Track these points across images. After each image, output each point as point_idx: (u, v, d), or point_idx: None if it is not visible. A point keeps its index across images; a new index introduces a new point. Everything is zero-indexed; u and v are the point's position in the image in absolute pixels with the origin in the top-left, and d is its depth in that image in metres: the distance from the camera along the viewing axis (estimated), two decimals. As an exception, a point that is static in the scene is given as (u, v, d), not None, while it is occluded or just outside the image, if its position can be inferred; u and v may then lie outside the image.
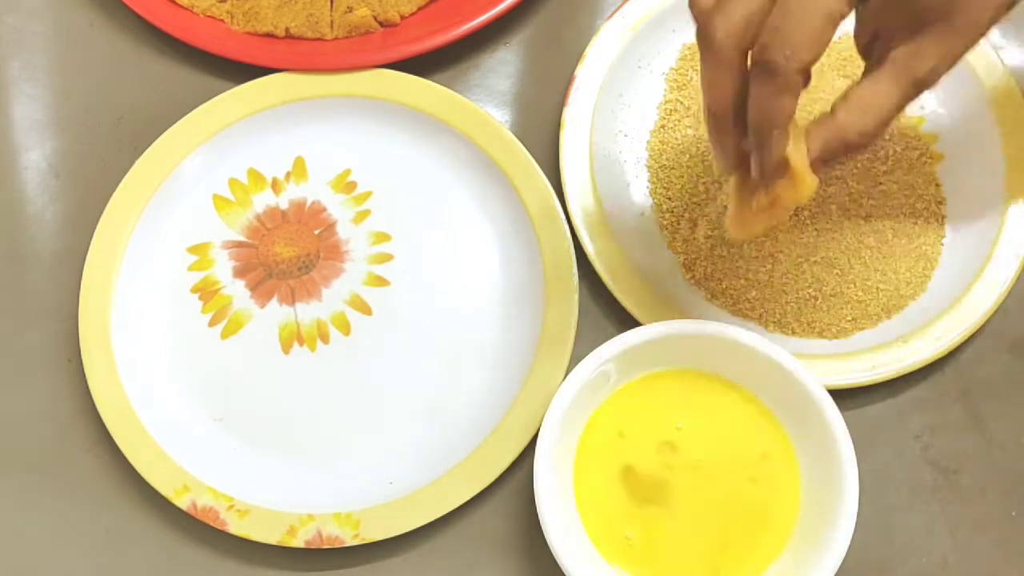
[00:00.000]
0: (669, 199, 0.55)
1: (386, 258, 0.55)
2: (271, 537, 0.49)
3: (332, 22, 0.59)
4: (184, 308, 0.54)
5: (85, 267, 0.53)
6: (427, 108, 0.57)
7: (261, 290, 0.55)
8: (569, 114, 0.56)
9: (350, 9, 0.59)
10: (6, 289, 0.56)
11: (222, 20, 0.59)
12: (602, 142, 0.56)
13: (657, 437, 0.48)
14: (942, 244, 0.55)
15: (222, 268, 0.55)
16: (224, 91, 0.57)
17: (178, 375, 0.53)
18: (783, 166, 0.40)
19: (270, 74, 0.57)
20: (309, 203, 0.57)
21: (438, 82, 0.57)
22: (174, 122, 0.56)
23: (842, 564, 0.44)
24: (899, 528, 0.51)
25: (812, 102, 0.55)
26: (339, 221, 0.56)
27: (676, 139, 0.57)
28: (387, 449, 0.52)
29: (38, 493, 0.52)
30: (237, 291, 0.55)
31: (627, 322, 0.52)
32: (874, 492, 0.51)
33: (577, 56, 0.57)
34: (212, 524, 0.49)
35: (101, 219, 0.54)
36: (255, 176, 0.57)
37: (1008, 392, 0.53)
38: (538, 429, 0.46)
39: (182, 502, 0.49)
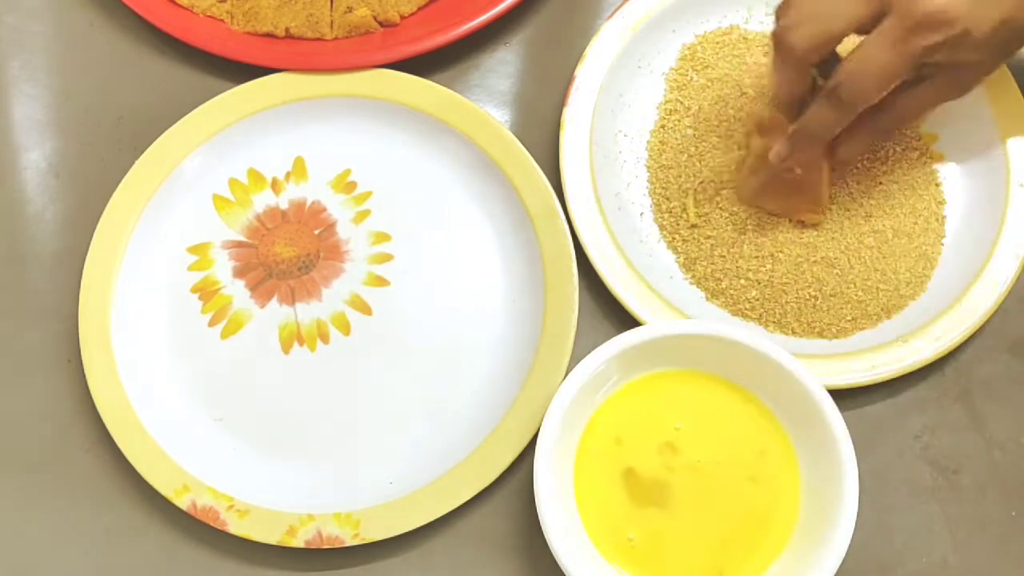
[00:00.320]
0: (668, 199, 0.55)
1: (386, 258, 0.55)
2: (271, 537, 0.49)
3: (332, 22, 0.59)
4: (184, 308, 0.54)
5: (85, 267, 0.53)
6: (427, 108, 0.57)
7: (261, 290, 0.55)
8: (569, 114, 0.56)
9: (350, 9, 0.59)
10: (6, 289, 0.56)
11: (222, 20, 0.59)
12: (602, 142, 0.56)
13: (657, 439, 0.48)
14: (942, 244, 0.55)
15: (222, 268, 0.55)
16: (224, 91, 0.57)
17: (178, 375, 0.53)
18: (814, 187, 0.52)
19: (270, 74, 0.57)
20: (309, 203, 0.57)
21: (438, 82, 0.57)
22: (174, 122, 0.56)
23: (842, 564, 0.44)
24: (899, 528, 0.51)
25: None
26: (339, 221, 0.56)
27: (676, 139, 0.57)
28: (387, 449, 0.52)
29: (38, 493, 0.52)
30: (237, 291, 0.55)
31: (627, 322, 0.52)
32: (874, 492, 0.51)
33: (577, 56, 0.57)
34: (212, 524, 0.49)
35: (101, 219, 0.54)
36: (255, 176, 0.57)
37: (1008, 392, 0.53)
38: (538, 429, 0.46)
39: (182, 502, 0.49)
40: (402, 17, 0.60)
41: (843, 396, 0.50)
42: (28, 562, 0.51)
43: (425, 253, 0.55)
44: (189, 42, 0.58)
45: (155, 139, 0.56)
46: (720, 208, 0.54)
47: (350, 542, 0.49)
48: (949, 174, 0.56)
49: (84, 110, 0.59)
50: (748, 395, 0.49)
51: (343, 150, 0.57)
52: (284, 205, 0.57)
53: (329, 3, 0.59)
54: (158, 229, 0.56)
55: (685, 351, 0.48)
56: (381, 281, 0.55)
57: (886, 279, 0.53)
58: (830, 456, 0.46)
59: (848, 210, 0.54)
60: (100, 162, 0.58)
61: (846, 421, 0.46)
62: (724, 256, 0.54)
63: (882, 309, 0.53)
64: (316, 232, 0.56)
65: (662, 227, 0.55)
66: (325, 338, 0.54)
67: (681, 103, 0.57)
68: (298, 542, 0.49)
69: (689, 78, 0.58)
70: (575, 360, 0.49)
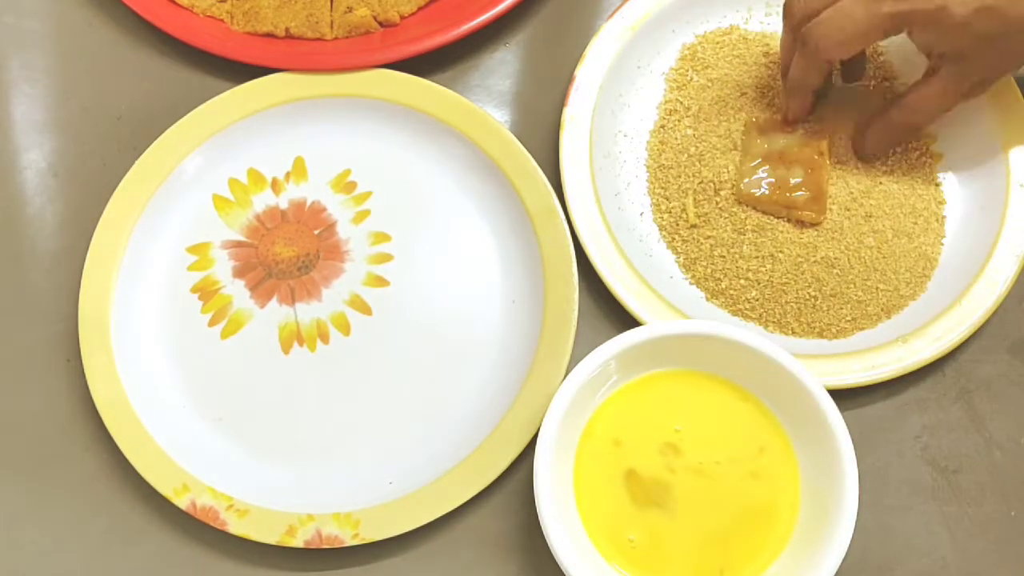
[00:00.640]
0: (668, 199, 0.55)
1: (386, 258, 0.55)
2: (270, 537, 0.49)
3: (332, 22, 0.59)
4: (184, 308, 0.54)
5: (85, 267, 0.53)
6: (427, 108, 0.57)
7: (261, 290, 0.55)
8: (569, 114, 0.56)
9: (350, 9, 0.59)
10: (6, 289, 0.56)
11: (222, 20, 0.59)
12: (602, 142, 0.56)
13: (658, 439, 0.48)
14: (942, 244, 0.55)
15: (222, 268, 0.55)
16: (224, 91, 0.57)
17: (178, 375, 0.53)
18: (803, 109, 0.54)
19: (270, 74, 0.57)
20: (309, 203, 0.57)
21: (438, 82, 0.57)
22: (174, 122, 0.56)
23: (842, 564, 0.44)
24: (899, 528, 0.51)
25: None
26: (339, 221, 0.56)
27: (675, 139, 0.57)
28: (387, 449, 0.52)
29: (38, 493, 0.52)
30: (237, 291, 0.55)
31: (627, 322, 0.52)
32: (874, 492, 0.51)
33: (577, 56, 0.57)
34: (212, 524, 0.49)
35: (101, 219, 0.54)
36: (255, 176, 0.57)
37: (1008, 392, 0.53)
38: (538, 429, 0.46)
39: (182, 502, 0.49)
40: (402, 17, 0.60)
41: (843, 396, 0.50)
42: (28, 562, 0.51)
43: (425, 253, 0.55)
44: (189, 42, 0.58)
45: (155, 139, 0.56)
46: (720, 208, 0.54)
47: (350, 542, 0.49)
48: (949, 174, 0.56)
49: (83, 110, 0.59)
50: (748, 395, 0.49)
51: (343, 150, 0.57)
52: (284, 205, 0.57)
53: (329, 3, 0.59)
54: (158, 229, 0.55)
55: (685, 351, 0.48)
56: (381, 281, 0.55)
57: (886, 279, 0.53)
58: (830, 456, 0.46)
59: (848, 210, 0.54)
60: (99, 162, 0.58)
61: (846, 421, 0.46)
62: (724, 256, 0.54)
63: (882, 309, 0.53)
64: (316, 232, 0.56)
65: (662, 227, 0.55)
66: (325, 338, 0.54)
67: (681, 103, 0.57)
68: (297, 542, 0.49)
69: (689, 78, 0.58)
70: (575, 360, 0.49)
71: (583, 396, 0.47)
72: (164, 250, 0.55)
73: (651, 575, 0.47)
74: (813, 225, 0.54)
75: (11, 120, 0.59)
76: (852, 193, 0.55)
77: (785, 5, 0.52)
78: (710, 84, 0.57)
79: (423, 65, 0.58)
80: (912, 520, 0.51)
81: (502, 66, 0.60)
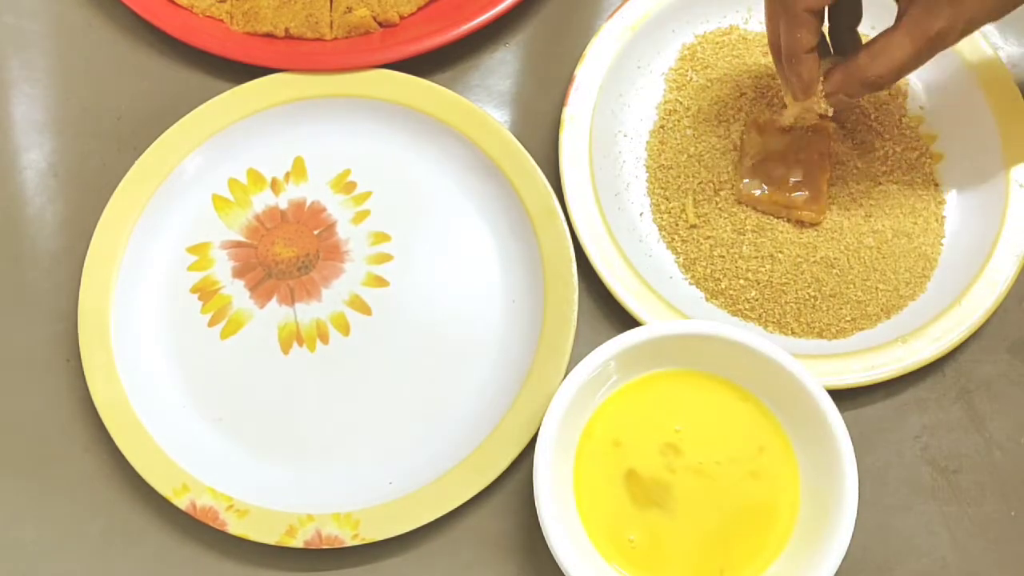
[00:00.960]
0: (668, 199, 0.55)
1: (386, 258, 0.55)
2: (270, 537, 0.49)
3: (332, 22, 0.59)
4: (184, 308, 0.54)
5: (84, 267, 0.53)
6: (427, 108, 0.57)
7: (260, 290, 0.55)
8: (569, 114, 0.56)
9: (349, 9, 0.59)
10: (5, 289, 0.56)
11: (222, 20, 0.59)
12: (602, 142, 0.56)
13: (658, 440, 0.48)
14: (942, 244, 0.55)
15: (222, 268, 0.55)
16: (224, 91, 0.57)
17: (178, 375, 0.53)
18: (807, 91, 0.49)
19: (270, 74, 0.57)
20: (309, 203, 0.57)
21: (438, 82, 0.57)
22: (173, 122, 0.56)
23: (842, 564, 0.44)
24: (898, 528, 0.51)
25: None
26: (339, 221, 0.56)
27: (675, 139, 0.57)
28: (387, 449, 0.52)
29: (37, 493, 0.52)
30: (236, 291, 0.55)
31: (627, 322, 0.52)
32: (874, 492, 0.51)
33: (577, 56, 0.57)
34: (211, 524, 0.49)
35: (101, 219, 0.54)
36: (255, 176, 0.57)
37: (1007, 392, 0.53)
38: (538, 429, 0.46)
39: (181, 502, 0.49)
40: (402, 17, 0.60)
41: (842, 396, 0.50)
42: (27, 562, 0.51)
43: (424, 253, 0.55)
44: (189, 42, 0.58)
45: (154, 139, 0.56)
46: (719, 208, 0.54)
47: (349, 542, 0.49)
48: (949, 174, 0.56)
49: (83, 110, 0.59)
50: (748, 395, 0.49)
51: (343, 150, 0.57)
52: (284, 205, 0.57)
53: (329, 3, 0.59)
54: (158, 229, 0.55)
55: (685, 351, 0.48)
56: (381, 281, 0.55)
57: (885, 279, 0.53)
58: (830, 456, 0.46)
59: (847, 210, 0.54)
60: (99, 162, 0.58)
61: (846, 421, 0.46)
62: (723, 256, 0.54)
63: (881, 309, 0.53)
64: (316, 232, 0.56)
65: (661, 227, 0.55)
66: (325, 338, 0.54)
67: (681, 103, 0.57)
68: (297, 542, 0.49)
69: (689, 78, 0.58)
70: (574, 360, 0.49)
71: (583, 396, 0.47)
72: (164, 250, 0.55)
73: (651, 575, 0.47)
74: (813, 225, 0.54)
75: (11, 120, 0.59)
76: (852, 193, 0.55)
77: None
78: (710, 84, 0.57)
79: (423, 65, 0.58)
80: (912, 520, 0.51)
81: (502, 66, 0.60)
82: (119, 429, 0.50)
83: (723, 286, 0.54)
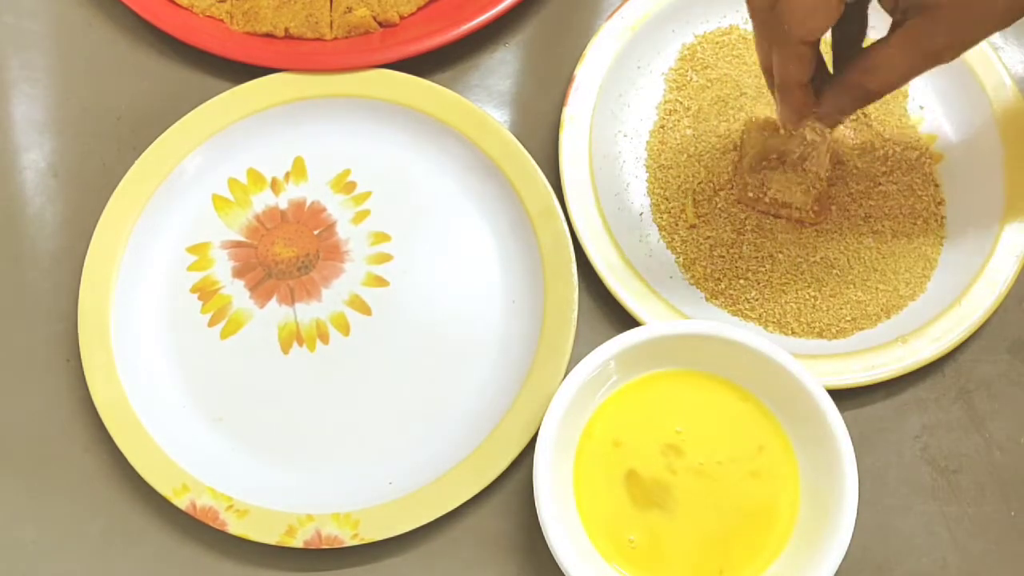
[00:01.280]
0: (668, 199, 0.55)
1: (385, 258, 0.55)
2: (270, 537, 0.49)
3: (332, 22, 0.59)
4: (183, 308, 0.54)
5: (84, 267, 0.53)
6: (427, 108, 0.57)
7: (260, 290, 0.55)
8: (569, 114, 0.56)
9: (349, 9, 0.59)
10: (5, 289, 0.56)
11: (221, 20, 0.59)
12: (602, 142, 0.56)
13: (658, 440, 0.48)
14: (941, 244, 0.55)
15: (221, 268, 0.55)
16: (224, 91, 0.57)
17: (177, 375, 0.53)
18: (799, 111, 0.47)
19: (270, 74, 0.57)
20: (308, 203, 0.57)
21: (438, 82, 0.57)
22: (173, 122, 0.56)
23: (842, 564, 0.44)
24: (898, 528, 0.51)
25: None
26: (338, 221, 0.56)
27: (675, 139, 0.57)
28: (386, 449, 0.52)
29: (37, 493, 0.52)
30: (236, 291, 0.55)
31: (627, 322, 0.52)
32: (873, 492, 0.51)
33: (577, 56, 0.57)
34: (211, 524, 0.49)
35: (100, 219, 0.54)
36: (255, 176, 0.57)
37: (1007, 392, 0.53)
38: (538, 429, 0.46)
39: (181, 502, 0.49)
40: (402, 17, 0.60)
41: (842, 396, 0.50)
42: (27, 562, 0.51)
43: (424, 253, 0.55)
44: (189, 42, 0.58)
45: (154, 139, 0.56)
46: (719, 208, 0.54)
47: (349, 542, 0.49)
48: (949, 174, 0.56)
49: (83, 110, 0.59)
50: (748, 395, 0.49)
51: (343, 150, 0.57)
52: (283, 205, 0.57)
53: (329, 3, 0.59)
54: (158, 229, 0.55)
55: (685, 351, 0.48)
56: (380, 281, 0.55)
57: (885, 279, 0.53)
58: (830, 456, 0.46)
59: (847, 210, 0.54)
60: (99, 162, 0.58)
61: (846, 421, 0.46)
62: (723, 256, 0.54)
63: (881, 309, 0.53)
64: (315, 232, 0.56)
65: (661, 227, 0.55)
66: (325, 338, 0.54)
67: (681, 103, 0.57)
68: (297, 542, 0.49)
69: (689, 78, 0.58)
70: (574, 360, 0.49)
71: (583, 396, 0.47)
72: (164, 250, 0.55)
73: (651, 575, 0.47)
74: (813, 225, 0.54)
75: (11, 120, 0.59)
76: (852, 194, 0.55)
77: (748, 5, 0.45)
78: (710, 84, 0.57)
79: (423, 65, 0.58)
80: (912, 520, 0.51)
81: (502, 66, 0.60)
82: (119, 429, 0.50)
83: (723, 286, 0.54)
